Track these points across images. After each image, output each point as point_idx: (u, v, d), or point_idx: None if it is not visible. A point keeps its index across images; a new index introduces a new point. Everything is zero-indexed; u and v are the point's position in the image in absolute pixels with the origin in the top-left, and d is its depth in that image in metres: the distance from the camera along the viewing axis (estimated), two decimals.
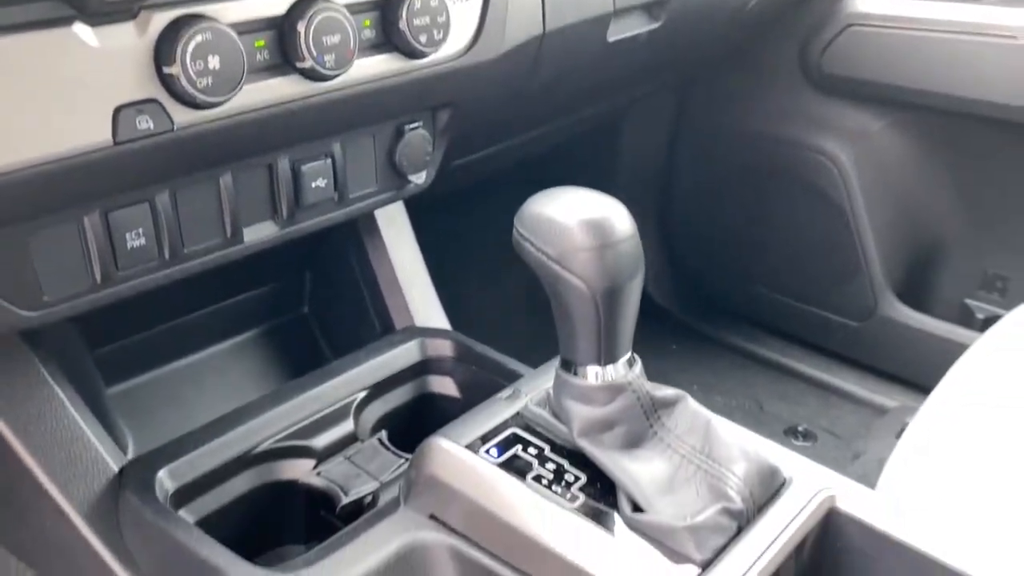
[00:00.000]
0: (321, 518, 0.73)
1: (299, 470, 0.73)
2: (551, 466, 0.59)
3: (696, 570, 0.51)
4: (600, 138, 1.53)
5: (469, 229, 1.41)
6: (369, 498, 0.70)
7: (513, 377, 0.73)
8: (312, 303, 1.00)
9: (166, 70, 0.55)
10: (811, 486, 0.57)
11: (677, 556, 0.52)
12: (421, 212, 0.98)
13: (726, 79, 1.50)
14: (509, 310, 1.48)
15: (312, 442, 0.74)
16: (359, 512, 0.67)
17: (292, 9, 0.62)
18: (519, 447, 0.61)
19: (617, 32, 0.99)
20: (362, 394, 0.79)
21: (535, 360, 0.75)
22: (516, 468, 0.59)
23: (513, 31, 0.81)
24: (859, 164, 1.42)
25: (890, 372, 1.47)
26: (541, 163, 1.37)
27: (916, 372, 1.43)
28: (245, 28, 0.59)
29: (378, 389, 0.81)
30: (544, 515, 0.55)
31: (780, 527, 0.54)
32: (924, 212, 1.45)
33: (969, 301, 1.45)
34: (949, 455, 0.76)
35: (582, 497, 0.56)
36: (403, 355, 0.83)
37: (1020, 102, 1.21)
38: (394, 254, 0.92)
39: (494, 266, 1.44)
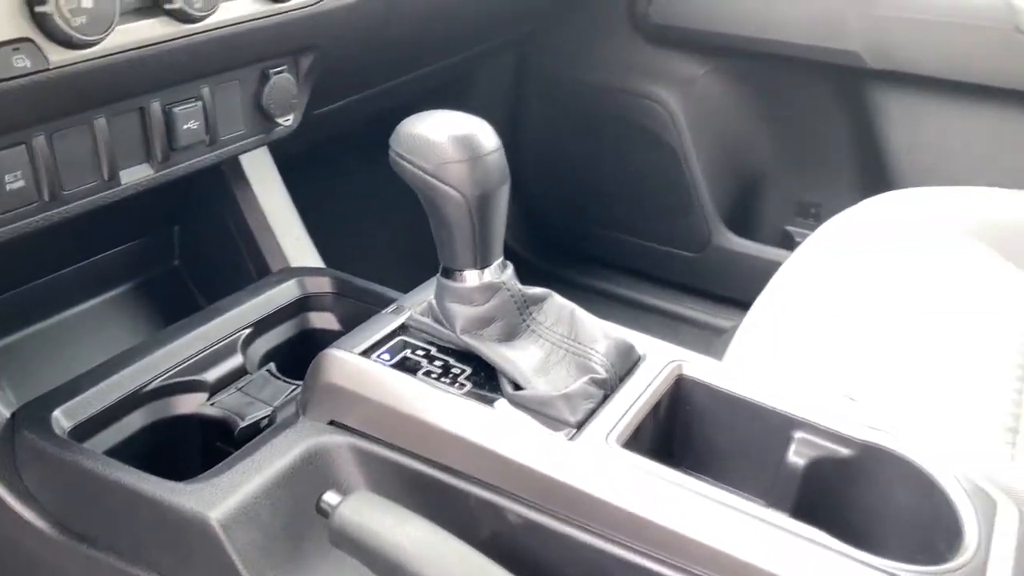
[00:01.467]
0: (218, 448, 0.76)
1: (193, 403, 0.76)
2: (439, 363, 0.65)
3: (572, 430, 0.59)
4: (451, 92, 1.59)
5: (333, 178, 1.44)
6: (265, 421, 0.74)
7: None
8: (183, 255, 1.02)
9: (39, 9, 0.57)
10: (663, 358, 0.66)
11: (555, 421, 0.60)
12: (286, 165, 1.01)
13: (562, 32, 1.59)
14: (379, 250, 1.53)
15: (203, 376, 0.77)
16: (256, 436, 0.71)
17: None
18: (407, 351, 0.67)
19: None
20: (247, 331, 0.82)
21: (410, 289, 0.80)
22: (407, 368, 0.65)
23: None
24: (687, 108, 1.55)
25: (726, 296, 1.63)
26: (396, 117, 1.41)
27: (748, 293, 1.59)
28: None
29: (262, 326, 0.84)
30: (437, 402, 0.62)
31: (638, 392, 0.63)
32: (746, 149, 1.61)
33: (789, 227, 1.63)
34: (772, 343, 0.89)
35: (469, 385, 0.63)
36: (283, 293, 0.87)
37: (820, 43, 1.36)
38: (264, 199, 0.95)
39: (360, 212, 1.48)
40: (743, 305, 1.66)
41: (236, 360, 0.80)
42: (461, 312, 0.65)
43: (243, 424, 0.74)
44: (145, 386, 0.74)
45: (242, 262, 0.96)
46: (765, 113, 1.55)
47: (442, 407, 0.61)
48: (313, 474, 0.64)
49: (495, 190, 0.62)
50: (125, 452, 0.72)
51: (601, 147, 1.64)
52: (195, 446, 0.77)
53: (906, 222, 1.06)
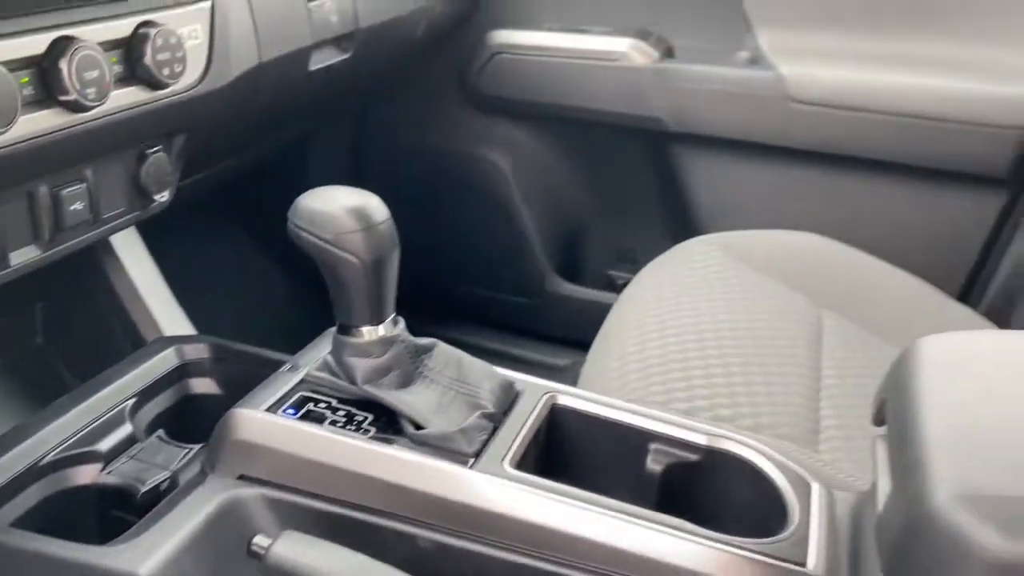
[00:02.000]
0: (117, 517, 0.78)
1: (89, 474, 0.78)
2: (341, 413, 0.72)
3: (471, 459, 0.68)
4: (292, 159, 1.66)
5: (198, 245, 1.45)
6: (166, 484, 0.77)
7: (275, 365, 0.85)
8: (47, 333, 1.01)
9: None
10: (538, 392, 0.77)
11: (454, 454, 0.69)
12: (149, 235, 1.04)
13: (400, 101, 1.70)
14: (249, 312, 1.54)
15: (96, 447, 0.79)
16: (158, 501, 0.74)
17: (51, 48, 0.69)
18: (310, 404, 0.73)
19: (316, 63, 1.14)
20: (132, 400, 0.85)
21: (291, 347, 0.86)
22: (313, 419, 0.71)
23: (237, 62, 0.93)
24: (516, 168, 1.70)
25: (560, 337, 1.78)
26: (248, 182, 1.46)
27: (580, 333, 1.76)
28: (12, 67, 0.65)
29: (145, 394, 0.87)
30: (346, 447, 0.68)
31: (522, 422, 0.73)
32: (570, 203, 1.78)
33: (610, 271, 1.80)
34: (617, 371, 1.02)
35: (372, 430, 0.71)
36: (162, 362, 0.89)
37: (629, 111, 1.56)
38: (133, 271, 0.98)
39: (231, 273, 1.50)
40: (576, 344, 1.82)
41: (126, 429, 0.82)
42: (360, 364, 0.72)
43: (144, 489, 0.76)
44: (38, 461, 0.75)
45: (114, 335, 0.97)
46: (585, 170, 1.73)
47: (352, 451, 0.68)
48: (231, 526, 0.68)
49: (388, 254, 0.70)
50: (25, 526, 0.73)
51: (442, 206, 1.76)
52: (93, 516, 0.78)
53: (710, 262, 1.23)
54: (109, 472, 0.78)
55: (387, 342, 0.72)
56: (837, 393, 0.99)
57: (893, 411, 0.59)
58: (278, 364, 0.84)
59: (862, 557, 0.65)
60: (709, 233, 1.36)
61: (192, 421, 0.83)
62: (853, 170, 1.46)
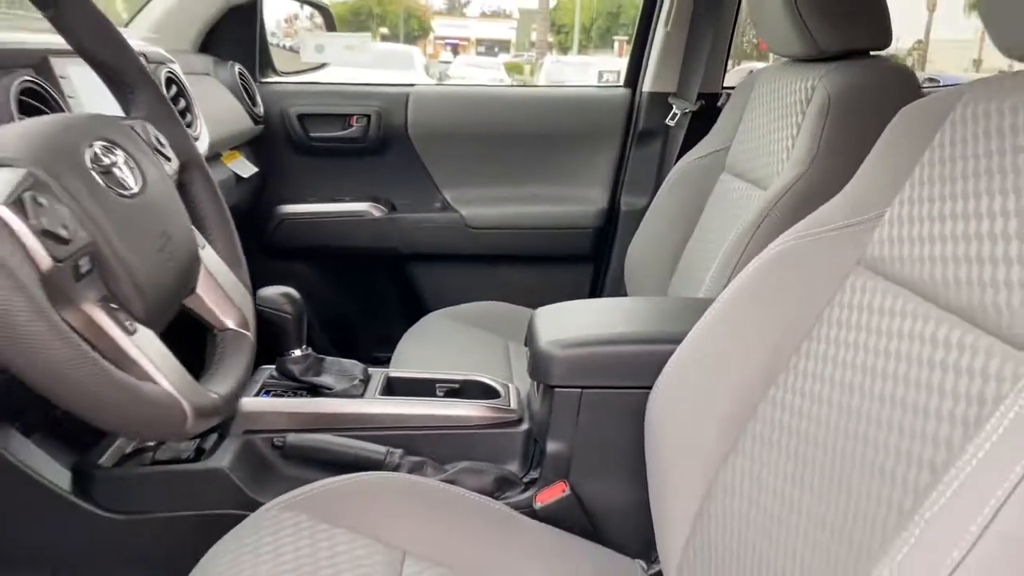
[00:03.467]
0: None
1: None
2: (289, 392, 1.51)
3: (358, 398, 1.50)
4: None
5: None
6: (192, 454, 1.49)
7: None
8: None
9: None
10: (379, 373, 1.61)
11: (350, 397, 1.50)
12: None
13: None
14: None
15: None
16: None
17: None
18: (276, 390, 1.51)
19: None
20: None
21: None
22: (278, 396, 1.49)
23: None
24: (304, 295, 2.53)
25: None
26: None
27: None
28: None
29: None
30: (302, 404, 1.47)
31: (376, 383, 1.57)
32: (341, 309, 2.63)
33: (375, 353, 2.66)
34: None
35: (307, 395, 1.51)
36: None
37: (372, 244, 2.49)
38: None
39: None
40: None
41: None
42: (296, 368, 1.52)
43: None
44: None
45: None
46: (351, 288, 2.60)
47: (304, 404, 1.47)
48: (254, 446, 1.43)
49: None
50: None
51: None
52: None
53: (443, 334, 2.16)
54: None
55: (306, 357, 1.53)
56: None
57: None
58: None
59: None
60: (433, 311, 2.28)
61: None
62: (509, 264, 2.50)
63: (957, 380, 0.77)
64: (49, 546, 1.34)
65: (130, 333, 0.79)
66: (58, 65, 1.29)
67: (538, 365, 1.36)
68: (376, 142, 2.45)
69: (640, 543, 1.31)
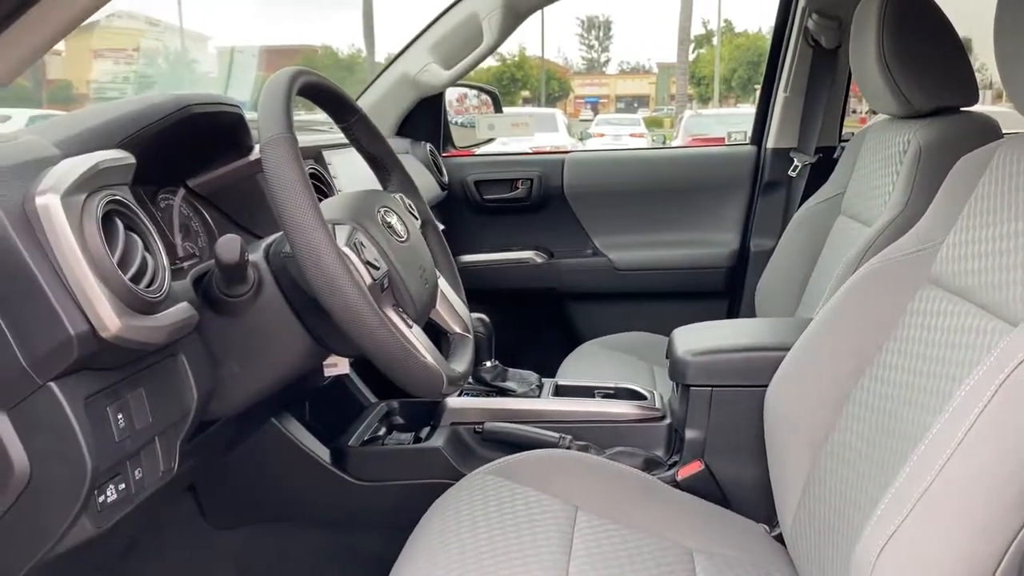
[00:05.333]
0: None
1: None
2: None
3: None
4: None
5: None
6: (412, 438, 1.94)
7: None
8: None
9: None
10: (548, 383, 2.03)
11: (526, 396, 1.93)
12: None
13: None
14: None
15: None
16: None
17: None
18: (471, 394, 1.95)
19: None
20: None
21: None
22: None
23: None
24: None
25: None
26: None
27: None
28: None
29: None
30: (498, 402, 1.91)
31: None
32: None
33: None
34: None
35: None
36: None
37: (534, 285, 2.94)
38: None
39: None
40: None
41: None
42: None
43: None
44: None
45: None
46: (511, 317, 3.05)
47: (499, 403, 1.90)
48: (459, 433, 1.85)
49: None
50: None
51: None
52: None
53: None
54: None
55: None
56: None
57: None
58: None
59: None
60: (587, 342, 2.67)
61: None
62: (653, 301, 2.89)
63: (980, 356, 1.08)
64: (311, 506, 1.82)
65: (410, 327, 1.24)
66: (327, 155, 1.82)
67: (676, 369, 1.74)
68: (537, 200, 2.92)
69: (763, 509, 1.54)
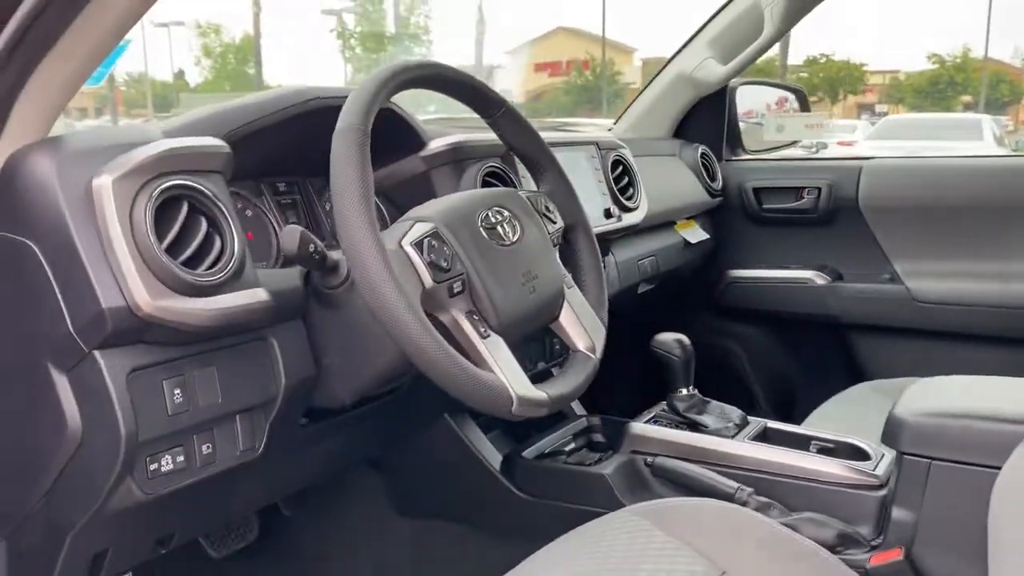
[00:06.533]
0: None
1: None
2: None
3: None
4: None
5: None
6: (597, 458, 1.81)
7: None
8: None
9: None
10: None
11: (721, 437, 1.68)
12: None
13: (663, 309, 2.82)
14: None
15: None
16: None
17: None
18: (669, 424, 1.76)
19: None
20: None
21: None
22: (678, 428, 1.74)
23: None
24: (747, 353, 2.72)
25: None
26: None
27: None
28: None
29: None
30: (700, 440, 1.70)
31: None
32: (776, 373, 2.74)
33: None
34: None
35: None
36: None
37: (813, 311, 2.57)
38: None
39: None
40: None
41: None
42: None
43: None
44: None
45: None
46: (784, 350, 2.71)
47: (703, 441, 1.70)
48: (634, 463, 1.69)
49: None
50: None
51: None
52: None
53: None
54: None
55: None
56: None
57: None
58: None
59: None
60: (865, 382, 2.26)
61: None
62: (962, 343, 2.35)
63: None
64: (473, 509, 1.78)
65: (483, 337, 1.12)
66: None
67: (890, 429, 1.39)
68: (826, 213, 2.54)
69: None
